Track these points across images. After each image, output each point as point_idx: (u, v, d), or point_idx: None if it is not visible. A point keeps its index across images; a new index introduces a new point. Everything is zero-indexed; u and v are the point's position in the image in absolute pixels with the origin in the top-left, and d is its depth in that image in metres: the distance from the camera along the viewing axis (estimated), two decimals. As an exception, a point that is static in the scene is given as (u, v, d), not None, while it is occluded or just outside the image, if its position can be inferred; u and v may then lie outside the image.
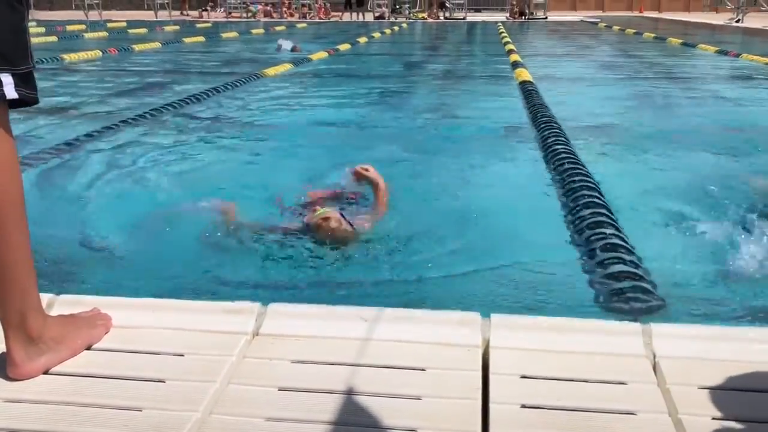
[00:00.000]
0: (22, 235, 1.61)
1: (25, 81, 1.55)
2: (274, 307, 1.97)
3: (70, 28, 20.99)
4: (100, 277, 2.65)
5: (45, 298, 1.89)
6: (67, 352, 1.70)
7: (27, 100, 1.58)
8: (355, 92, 8.34)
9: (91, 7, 29.45)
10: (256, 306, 1.96)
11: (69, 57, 11.33)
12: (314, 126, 5.90)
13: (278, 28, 22.12)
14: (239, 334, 1.84)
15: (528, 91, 7.20)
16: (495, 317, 1.86)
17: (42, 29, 19.66)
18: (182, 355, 1.75)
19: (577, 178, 3.77)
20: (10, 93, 1.52)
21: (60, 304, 1.98)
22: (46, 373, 1.65)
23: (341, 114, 6.66)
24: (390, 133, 5.66)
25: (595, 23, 25.02)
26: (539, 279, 2.64)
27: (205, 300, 2.02)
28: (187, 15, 30.41)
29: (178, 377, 1.64)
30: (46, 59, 10.72)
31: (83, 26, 21.82)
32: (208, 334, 1.85)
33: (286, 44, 13.34)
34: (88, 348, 1.77)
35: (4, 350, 1.66)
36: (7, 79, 1.51)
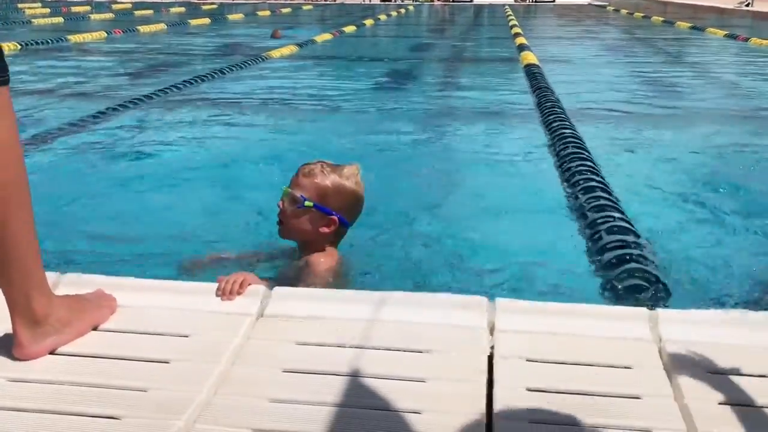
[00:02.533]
0: (26, 215, 1.59)
1: None
2: (279, 289, 1.97)
3: (75, 9, 20.94)
4: (106, 257, 2.65)
5: (50, 277, 1.89)
6: (72, 333, 1.70)
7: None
8: (359, 74, 8.31)
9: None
10: (261, 287, 1.96)
11: (74, 38, 11.30)
12: (317, 107, 5.89)
13: (284, 10, 22.00)
14: (244, 315, 1.84)
15: (533, 74, 7.15)
16: (500, 301, 1.85)
17: (47, 10, 19.62)
18: (187, 336, 1.74)
19: (581, 162, 3.75)
20: None
21: (64, 284, 1.97)
22: (51, 353, 1.65)
23: (345, 96, 6.63)
24: (395, 115, 5.64)
25: (603, 6, 24.83)
26: (544, 263, 2.63)
27: (209, 282, 2.02)
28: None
29: (182, 358, 1.64)
30: (51, 40, 10.70)
31: (88, 7, 21.75)
32: (213, 315, 1.85)
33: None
34: (94, 329, 1.77)
35: (10, 330, 1.67)
36: None
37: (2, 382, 1.55)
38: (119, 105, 5.49)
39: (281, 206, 2.34)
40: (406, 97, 6.61)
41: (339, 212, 2.36)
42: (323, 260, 2.39)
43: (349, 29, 14.35)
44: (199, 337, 1.74)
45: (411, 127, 5.13)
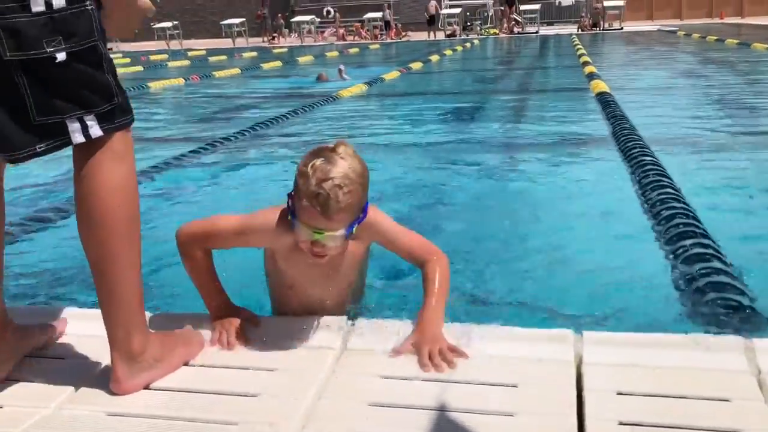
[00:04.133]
0: (134, 255, 1.69)
1: (107, 117, 1.61)
2: (361, 323, 1.99)
3: (153, 57, 21.93)
4: (188, 293, 2.72)
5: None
6: (166, 368, 1.76)
7: (120, 127, 1.65)
8: (429, 109, 8.38)
9: (172, 37, 30.66)
10: (344, 320, 1.99)
11: (154, 85, 11.82)
12: (389, 145, 5.94)
13: (352, 51, 22.46)
14: (328, 349, 1.86)
15: (606, 102, 7.06)
16: (587, 333, 1.82)
17: (128, 59, 20.61)
18: (274, 370, 1.78)
19: (663, 189, 3.67)
20: (96, 132, 1.59)
21: (158, 320, 2.05)
22: (146, 388, 1.71)
23: (416, 131, 6.69)
24: (467, 147, 5.65)
25: (674, 32, 24.34)
26: (630, 293, 2.57)
27: (296, 316, 2.06)
28: (266, 42, 31.26)
29: (271, 392, 1.67)
30: (132, 88, 11.22)
31: (165, 56, 22.73)
32: (298, 349, 1.88)
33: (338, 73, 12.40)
34: (185, 364, 1.83)
35: (107, 365, 1.74)
36: (92, 121, 1.59)
37: (101, 416, 1.62)
38: (200, 148, 5.69)
39: (318, 250, 1.89)
40: (477, 129, 6.62)
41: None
42: (370, 216, 1.98)
43: (416, 66, 14.51)
44: (285, 371, 1.77)
45: (484, 159, 5.13)
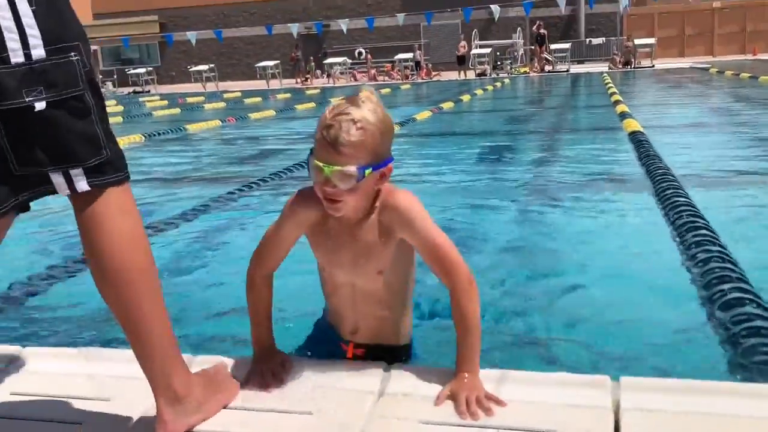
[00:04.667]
0: (157, 303, 1.69)
1: (96, 170, 1.57)
2: (398, 367, 2.02)
3: (190, 99, 22.42)
4: (235, 334, 2.77)
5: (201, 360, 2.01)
6: (208, 411, 1.80)
7: (110, 184, 1.61)
8: (461, 149, 8.44)
9: (208, 79, 31.40)
10: (382, 364, 2.01)
11: (191, 127, 12.09)
12: (421, 184, 5.99)
13: (383, 91, 22.74)
14: (366, 393, 1.88)
15: (639, 141, 7.04)
16: (625, 379, 1.82)
17: (165, 102, 21.14)
18: (312, 413, 1.80)
19: (698, 231, 3.65)
20: (83, 186, 1.56)
21: (196, 364, 2.10)
22: (189, 431, 1.75)
23: (448, 171, 6.74)
24: (497, 187, 5.68)
25: (706, 69, 24.23)
26: (666, 339, 2.56)
27: (332, 359, 2.09)
28: (299, 83, 31.80)
29: (310, 436, 1.70)
30: (170, 130, 11.50)
31: (202, 98, 23.25)
32: (336, 392, 1.90)
33: None
34: (225, 407, 1.87)
35: (151, 407, 1.78)
36: (78, 175, 1.56)
37: (148, 459, 1.66)
38: (236, 189, 5.80)
39: (330, 190, 1.81)
40: (509, 169, 6.65)
41: (390, 153, 1.90)
42: (398, 192, 1.93)
43: (447, 105, 14.64)
44: (324, 414, 1.80)
45: (516, 199, 5.15)
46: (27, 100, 1.47)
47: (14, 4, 1.47)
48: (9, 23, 1.46)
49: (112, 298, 1.65)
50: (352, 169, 1.78)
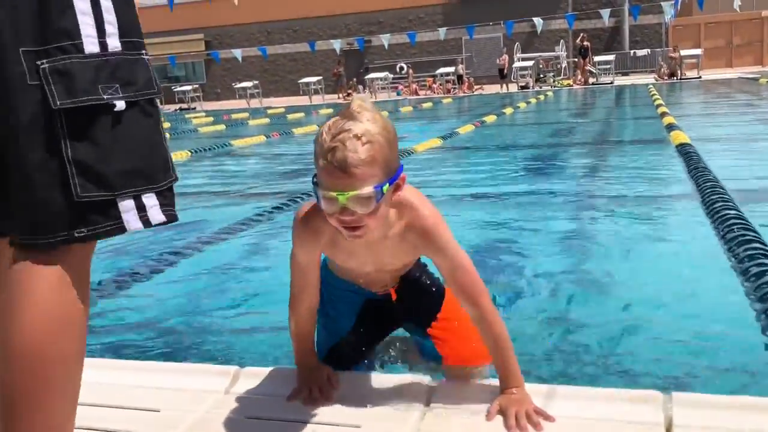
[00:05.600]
0: (67, 402, 1.29)
1: (167, 196, 1.34)
2: (443, 381, 2.02)
3: (235, 116, 22.80)
4: (273, 349, 2.80)
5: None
6: None
7: (170, 220, 1.36)
8: (504, 162, 8.40)
9: (252, 95, 31.87)
10: (427, 378, 2.01)
11: (236, 143, 12.29)
12: (464, 197, 5.98)
13: (425, 105, 22.78)
14: (411, 407, 1.88)
15: (687, 153, 6.92)
16: (677, 395, 1.78)
17: (211, 119, 21.53)
18: (358, 427, 1.81)
19: (750, 245, 3.56)
20: (156, 216, 1.31)
21: (246, 375, 2.12)
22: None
23: (491, 184, 6.71)
24: (542, 201, 5.63)
25: (755, 79, 23.68)
26: (719, 354, 2.50)
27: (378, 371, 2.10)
28: (341, 98, 32.08)
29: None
30: (216, 146, 11.70)
31: (246, 114, 23.61)
32: (382, 408, 1.90)
33: None
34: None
35: (201, 419, 1.80)
36: (151, 201, 1.30)
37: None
38: (281, 204, 5.87)
39: (349, 219, 1.64)
40: (554, 182, 6.59)
41: (399, 161, 1.73)
42: (423, 210, 1.82)
43: (490, 119, 14.59)
44: (371, 428, 1.80)
45: (561, 212, 5.10)
46: (105, 97, 1.22)
47: None
48: (84, 4, 1.23)
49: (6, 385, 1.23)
50: (369, 190, 1.61)
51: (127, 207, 1.27)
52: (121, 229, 1.27)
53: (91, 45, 1.23)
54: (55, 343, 1.23)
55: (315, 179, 1.67)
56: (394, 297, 2.14)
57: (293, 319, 2.05)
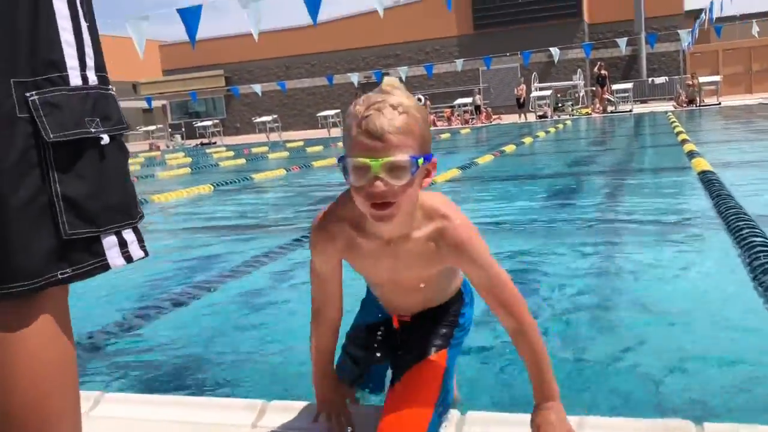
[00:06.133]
0: None
1: (139, 232, 1.31)
2: (472, 413, 2.00)
3: (255, 150, 23.02)
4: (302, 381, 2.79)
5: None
6: None
7: (146, 255, 1.33)
8: (524, 191, 8.40)
9: (272, 129, 32.24)
10: (456, 413, 2.00)
11: (257, 176, 12.40)
12: (485, 227, 5.97)
13: (443, 136, 22.87)
14: (440, 440, 1.87)
15: (709, 180, 6.87)
16: (708, 425, 1.76)
17: (232, 153, 21.76)
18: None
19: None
20: (136, 252, 1.28)
21: (272, 409, 2.12)
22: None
23: (512, 214, 6.70)
24: (564, 230, 5.61)
25: (777, 104, 23.55)
26: (748, 383, 2.46)
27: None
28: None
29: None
30: (237, 180, 11.82)
31: (266, 148, 23.84)
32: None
33: None
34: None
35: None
36: (130, 236, 1.28)
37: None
38: (302, 236, 5.89)
39: (380, 190, 1.55)
40: (575, 211, 6.57)
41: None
42: (456, 220, 1.73)
43: (509, 149, 14.62)
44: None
45: (583, 242, 5.07)
46: (93, 130, 1.19)
47: (77, 16, 1.22)
48: (69, 36, 1.20)
49: None
50: (404, 158, 1.53)
51: (110, 243, 1.23)
52: (105, 267, 1.23)
53: (75, 77, 1.22)
54: (51, 397, 1.19)
55: (341, 158, 1.63)
56: (396, 325, 2.07)
57: (314, 336, 1.99)
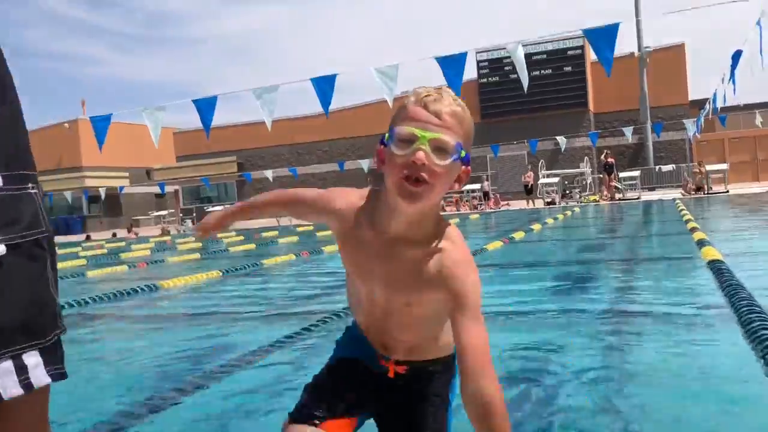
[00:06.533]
0: None
1: (52, 352, 1.14)
2: None
3: (265, 234, 23.19)
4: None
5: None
6: None
7: (55, 380, 1.15)
8: (533, 278, 8.38)
9: (281, 214, 32.54)
10: None
11: (267, 262, 12.45)
12: (495, 315, 5.94)
13: (452, 221, 23.00)
14: None
15: (719, 270, 6.85)
16: None
17: (242, 237, 21.90)
18: None
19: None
20: (41, 378, 1.10)
21: None
22: None
23: (521, 301, 6.68)
24: (572, 319, 5.57)
25: (784, 192, 23.68)
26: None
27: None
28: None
29: None
30: (247, 265, 11.86)
31: (276, 232, 24.01)
32: None
33: None
34: None
35: None
36: (33, 359, 1.10)
37: None
38: (311, 325, 5.88)
39: (420, 163, 1.61)
40: (584, 300, 6.54)
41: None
42: (462, 257, 1.80)
43: (518, 235, 14.67)
44: None
45: (592, 331, 5.03)
46: None
47: None
48: None
49: None
50: (452, 140, 1.63)
51: (4, 370, 1.05)
52: None
53: None
54: None
55: (387, 133, 1.67)
56: (392, 374, 1.97)
57: (262, 197, 2.26)
